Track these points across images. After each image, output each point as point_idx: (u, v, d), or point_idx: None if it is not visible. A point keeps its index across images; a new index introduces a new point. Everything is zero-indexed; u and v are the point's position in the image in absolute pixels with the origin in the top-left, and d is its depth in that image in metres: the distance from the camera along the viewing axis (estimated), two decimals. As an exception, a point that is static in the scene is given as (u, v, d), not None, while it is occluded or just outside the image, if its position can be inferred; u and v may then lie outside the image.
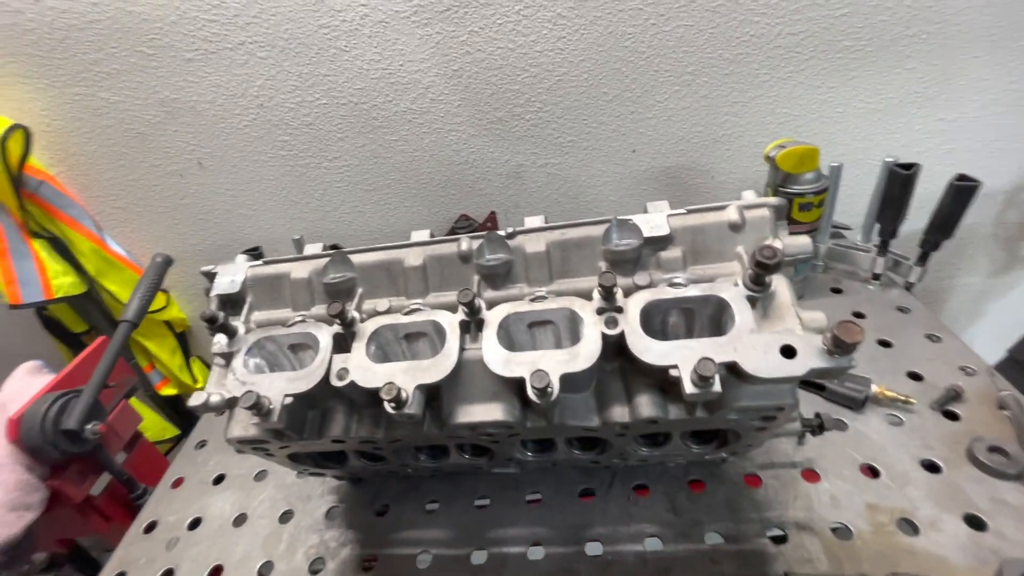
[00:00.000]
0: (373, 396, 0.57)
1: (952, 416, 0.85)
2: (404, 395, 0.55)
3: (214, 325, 0.62)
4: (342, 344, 0.63)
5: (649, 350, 0.53)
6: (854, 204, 1.27)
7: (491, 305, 0.62)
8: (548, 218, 0.66)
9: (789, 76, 1.19)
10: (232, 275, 0.71)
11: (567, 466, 0.86)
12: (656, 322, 0.60)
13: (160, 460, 1.18)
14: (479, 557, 0.78)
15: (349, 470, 0.82)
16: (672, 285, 0.61)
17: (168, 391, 1.65)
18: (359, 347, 0.61)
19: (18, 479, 0.92)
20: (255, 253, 1.10)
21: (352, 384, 0.58)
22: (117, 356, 1.00)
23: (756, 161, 1.31)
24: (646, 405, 0.58)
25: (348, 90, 1.21)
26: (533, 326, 0.62)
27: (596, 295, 0.58)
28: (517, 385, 0.59)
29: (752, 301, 0.55)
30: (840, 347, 0.48)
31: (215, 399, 0.63)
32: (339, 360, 0.60)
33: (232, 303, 0.71)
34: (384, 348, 0.64)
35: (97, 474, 1.04)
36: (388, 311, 0.66)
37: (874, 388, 0.88)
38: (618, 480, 0.85)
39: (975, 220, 1.42)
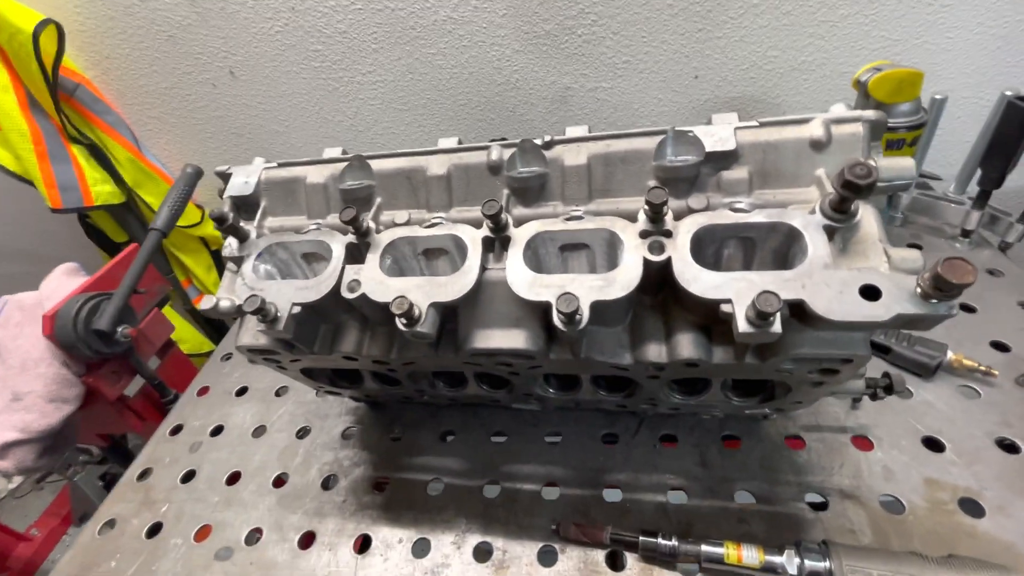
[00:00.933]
0: (387, 312, 0.53)
1: (1040, 393, 0.74)
2: (417, 311, 0.50)
3: (223, 225, 0.58)
4: (356, 255, 0.58)
5: (698, 280, 0.46)
6: (949, 152, 1.11)
7: (520, 223, 0.55)
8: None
9: (893, -11, 1.00)
10: (246, 176, 0.66)
11: (591, 408, 0.81)
12: (709, 253, 0.52)
13: (191, 369, 1.21)
14: (491, 490, 0.75)
15: (365, 391, 0.80)
16: (733, 210, 0.52)
17: (205, 307, 1.69)
18: (373, 259, 0.55)
19: (56, 372, 0.96)
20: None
21: (363, 297, 0.53)
22: (146, 263, 1.00)
23: (839, 94, 1.14)
24: (687, 344, 0.51)
25: (384, -7, 1.11)
26: (566, 249, 0.55)
27: (642, 216, 0.50)
28: (542, 311, 0.53)
29: (830, 231, 0.46)
30: (942, 290, 0.39)
31: (224, 304, 0.59)
32: (351, 271, 0.55)
33: (246, 206, 0.66)
34: (400, 263, 0.58)
35: (130, 376, 1.07)
36: (407, 223, 0.60)
37: (950, 355, 0.77)
38: (645, 427, 0.79)
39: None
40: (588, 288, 0.48)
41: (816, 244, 0.45)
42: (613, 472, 0.74)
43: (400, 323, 0.50)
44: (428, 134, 1.31)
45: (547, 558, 0.66)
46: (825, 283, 0.43)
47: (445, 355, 0.58)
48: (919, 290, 0.41)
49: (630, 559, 0.65)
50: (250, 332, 0.61)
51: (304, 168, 0.65)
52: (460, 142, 0.62)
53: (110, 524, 0.81)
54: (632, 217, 0.54)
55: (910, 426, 0.73)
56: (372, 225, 0.57)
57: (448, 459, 0.81)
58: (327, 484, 0.80)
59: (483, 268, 0.54)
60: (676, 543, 0.62)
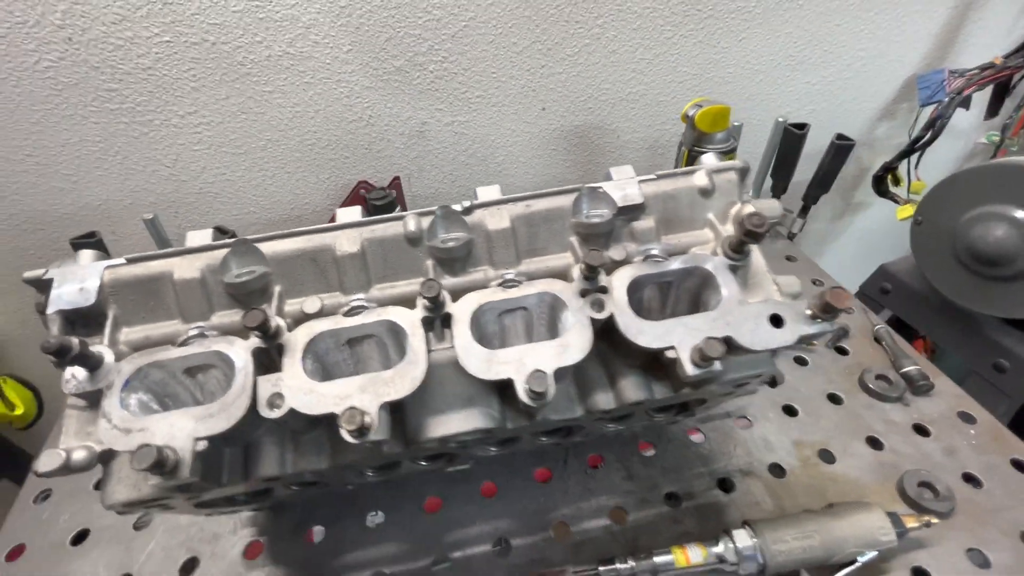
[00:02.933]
0: (313, 421, 0.46)
1: (843, 352, 0.97)
2: (368, 420, 0.44)
3: (65, 358, 0.44)
4: (265, 362, 0.49)
5: (643, 332, 0.49)
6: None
7: (453, 295, 0.52)
8: (456, 180, 0.58)
9: (690, 34, 1.20)
10: (79, 281, 0.51)
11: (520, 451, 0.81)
12: (634, 299, 0.56)
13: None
14: (441, 567, 0.71)
15: (273, 501, 0.68)
16: (648, 258, 0.57)
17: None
18: (292, 363, 0.47)
19: None
20: (91, 242, 0.84)
21: (291, 412, 0.46)
22: None
23: (658, 120, 1.33)
24: (631, 388, 0.55)
25: (200, 25, 0.94)
26: (503, 315, 0.55)
27: (577, 274, 0.52)
28: (495, 385, 0.52)
29: (733, 270, 0.54)
30: (828, 312, 0.49)
31: (79, 456, 0.46)
32: (267, 383, 0.47)
33: (84, 320, 0.51)
34: (323, 359, 0.51)
35: None
36: (320, 313, 0.53)
37: (784, 334, 0.96)
38: (572, 455, 0.83)
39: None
40: (548, 357, 0.48)
41: (728, 284, 0.52)
42: (557, 509, 0.76)
43: (349, 436, 0.44)
44: (272, 178, 1.17)
45: (517, 620, 0.65)
46: (743, 318, 0.50)
47: (392, 450, 0.53)
48: (810, 312, 0.50)
49: (594, 591, 0.67)
50: (126, 483, 0.48)
51: (165, 263, 0.52)
52: (366, 213, 0.56)
53: None
54: (562, 273, 0.55)
55: (771, 399, 0.89)
56: (281, 323, 0.49)
57: (383, 547, 0.73)
58: (249, 554, 0.67)
59: (428, 351, 0.50)
60: (633, 564, 0.66)
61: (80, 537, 0.77)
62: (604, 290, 0.52)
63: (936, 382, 0.89)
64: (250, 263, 0.53)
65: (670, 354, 0.49)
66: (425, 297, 0.48)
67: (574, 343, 0.49)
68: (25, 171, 1.03)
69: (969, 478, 0.77)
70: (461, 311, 0.50)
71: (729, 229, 0.58)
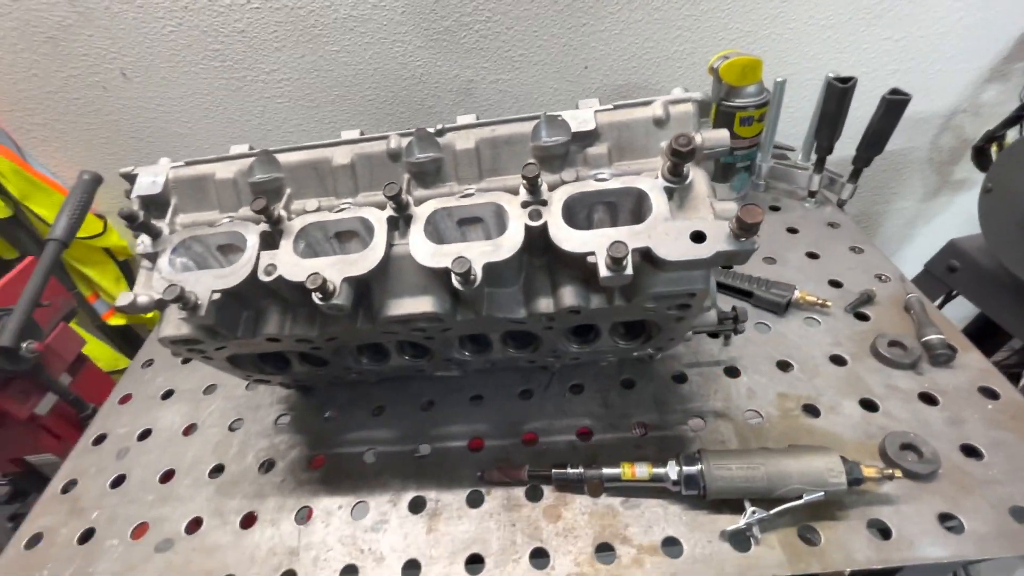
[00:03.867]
0: (305, 292, 0.58)
1: (863, 317, 0.92)
2: (331, 286, 0.56)
3: (134, 223, 0.61)
4: (270, 243, 0.63)
5: (569, 239, 0.55)
6: (799, 126, 1.29)
7: (421, 203, 0.62)
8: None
9: (743, -14, 1.16)
10: (153, 176, 0.68)
11: (507, 368, 0.90)
12: (581, 218, 0.62)
13: (108, 381, 1.18)
14: (424, 450, 0.82)
15: (293, 376, 0.84)
16: (597, 180, 0.62)
17: (116, 321, 1.61)
18: (287, 244, 0.60)
19: (-46, 396, 0.91)
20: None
21: (280, 279, 0.59)
22: (47, 275, 0.97)
23: (707, 80, 1.30)
24: (569, 295, 0.61)
25: (281, -9, 1.12)
26: (463, 224, 0.63)
27: (522, 189, 0.59)
28: (445, 276, 0.61)
29: (669, 192, 0.57)
30: (744, 229, 0.51)
31: (143, 299, 0.62)
32: (267, 257, 0.60)
33: (155, 205, 0.68)
34: (314, 247, 0.64)
35: (41, 393, 1.03)
36: (317, 210, 0.65)
37: (796, 294, 0.93)
38: (555, 381, 0.90)
39: (912, 144, 1.47)
40: (480, 252, 0.56)
41: (658, 203, 0.56)
42: (530, 422, 0.84)
43: (316, 298, 0.56)
44: (339, 129, 1.34)
45: (475, 501, 0.75)
46: (665, 232, 0.54)
47: (364, 326, 0.64)
48: (731, 231, 0.53)
49: (546, 491, 0.74)
50: (172, 323, 0.64)
51: (212, 166, 0.68)
52: (362, 133, 0.68)
53: (36, 539, 0.80)
54: (516, 191, 0.63)
55: (767, 354, 0.88)
56: (284, 214, 0.62)
57: (381, 431, 0.87)
58: (265, 468, 0.84)
59: (390, 244, 0.60)
60: (582, 470, 0.72)
61: (168, 394, 0.99)
62: (544, 203, 0.58)
63: (965, 356, 0.82)
64: (269, 170, 0.67)
65: (590, 259, 0.55)
66: (388, 197, 0.58)
67: (506, 244, 0.56)
68: (155, 117, 1.30)
69: (970, 450, 0.72)
70: (420, 212, 0.60)
71: (681, 157, 0.61)
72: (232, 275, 0.59)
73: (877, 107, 1.00)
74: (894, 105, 0.97)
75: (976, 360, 0.82)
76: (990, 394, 0.78)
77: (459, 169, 0.64)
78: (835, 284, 0.99)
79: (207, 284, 0.59)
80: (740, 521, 0.66)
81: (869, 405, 0.79)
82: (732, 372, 0.86)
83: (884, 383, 0.81)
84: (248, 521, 0.77)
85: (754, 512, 0.66)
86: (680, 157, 0.54)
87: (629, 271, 0.52)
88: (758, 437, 0.77)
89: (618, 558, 0.67)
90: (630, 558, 0.66)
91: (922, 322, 0.87)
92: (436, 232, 0.61)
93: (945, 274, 1.14)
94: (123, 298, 0.61)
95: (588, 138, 0.62)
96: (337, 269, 0.58)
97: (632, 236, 0.54)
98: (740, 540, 0.66)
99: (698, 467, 0.68)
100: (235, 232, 0.63)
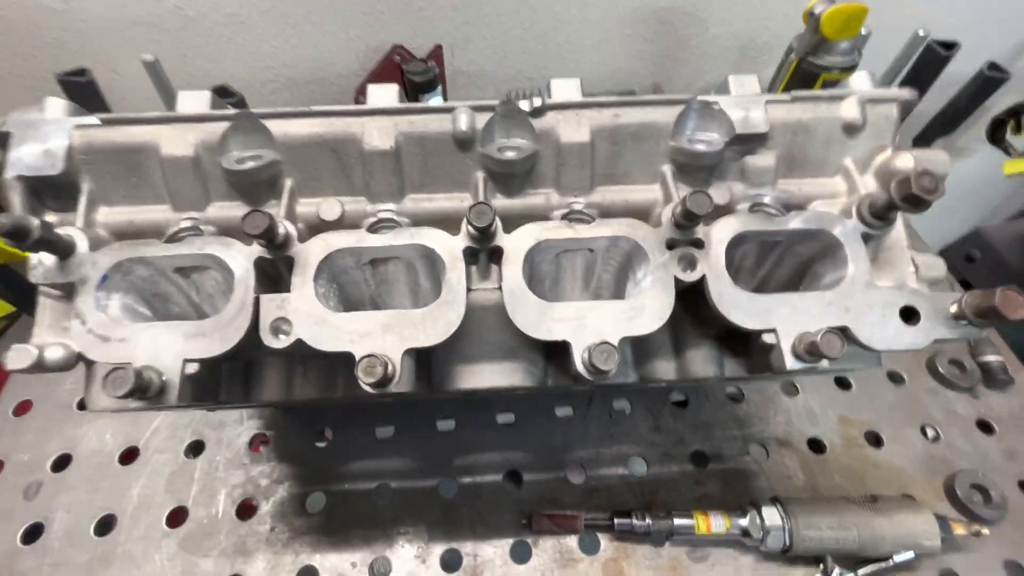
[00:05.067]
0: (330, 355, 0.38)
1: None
2: (391, 369, 0.36)
3: (24, 242, 0.35)
4: (268, 272, 0.40)
5: (740, 307, 0.39)
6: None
7: (505, 220, 0.41)
8: (506, 58, 0.45)
9: None
10: (44, 140, 0.40)
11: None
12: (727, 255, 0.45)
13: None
14: (448, 488, 0.68)
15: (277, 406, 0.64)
16: (756, 207, 0.44)
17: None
18: (303, 283, 0.38)
19: None
20: (78, 81, 0.72)
21: (300, 344, 0.38)
22: None
23: (760, 13, 1.09)
24: (700, 362, 0.46)
25: None
26: (562, 253, 0.44)
27: (666, 218, 0.40)
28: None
29: (866, 239, 0.42)
30: (985, 317, 0.38)
31: (55, 354, 0.39)
32: (271, 304, 0.38)
33: (54, 191, 0.42)
34: (339, 278, 0.42)
35: None
36: (341, 221, 0.43)
37: (855, 298, 0.85)
38: (597, 396, 0.77)
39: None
40: (615, 322, 0.38)
41: (857, 259, 0.40)
42: (574, 450, 0.72)
43: (366, 386, 0.36)
44: (297, 30, 0.99)
45: (521, 555, 0.64)
46: (867, 306, 0.39)
47: (414, 395, 0.46)
48: (954, 309, 0.39)
49: (603, 539, 0.65)
50: (103, 396, 0.42)
51: (150, 130, 0.41)
52: (403, 95, 0.44)
53: (-82, 618, 0.59)
54: (644, 212, 0.44)
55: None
56: (291, 230, 0.39)
57: (392, 459, 0.71)
58: (244, 513, 0.66)
59: (468, 290, 0.40)
60: (650, 522, 0.63)
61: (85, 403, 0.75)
62: (699, 244, 0.40)
63: (1018, 377, 0.79)
64: (255, 144, 0.42)
65: (767, 338, 0.39)
66: (474, 226, 0.37)
67: (650, 308, 0.39)
68: (8, -17, 0.87)
69: (1026, 486, 0.70)
70: (515, 247, 0.40)
71: (870, 182, 0.45)
72: (216, 336, 0.37)
73: (970, 82, 0.86)
74: (990, 83, 0.84)
75: (1027, 383, 0.80)
76: (1042, 422, 0.76)
77: (563, 172, 0.43)
78: (885, 284, 0.91)
79: (174, 349, 0.37)
80: (824, 582, 0.60)
81: (929, 433, 0.75)
82: (789, 390, 0.78)
83: (943, 407, 0.77)
84: (232, 588, 0.61)
85: (841, 574, 0.60)
86: (916, 205, 0.37)
87: (836, 354, 0.37)
88: (825, 472, 0.71)
89: (691, 622, 0.60)
90: (704, 622, 0.60)
91: (978, 339, 0.82)
92: (528, 268, 0.42)
93: (962, 263, 1.11)
94: (17, 357, 0.38)
95: (753, 142, 0.43)
96: (395, 336, 0.38)
97: (824, 307, 0.39)
98: (819, 598, 0.61)
99: (783, 522, 0.61)
100: (211, 256, 0.39)
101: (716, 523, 0.62)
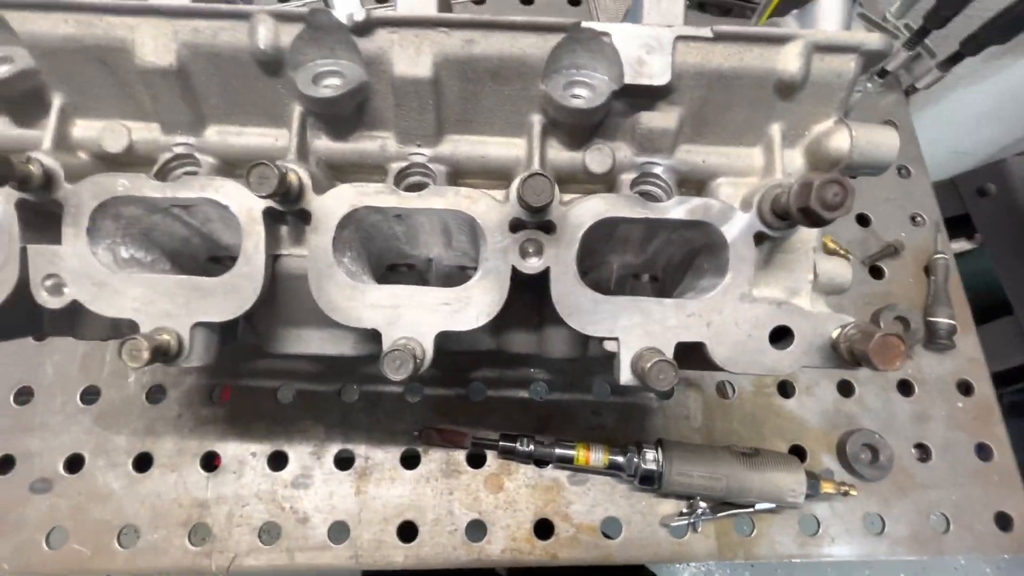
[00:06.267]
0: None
1: (878, 273, 0.79)
2: (175, 344, 0.33)
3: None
4: (40, 218, 0.34)
5: (581, 311, 0.33)
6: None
7: (332, 165, 0.34)
8: None
9: None
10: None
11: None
12: (600, 228, 0.38)
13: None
14: (350, 394, 0.70)
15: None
16: (640, 180, 0.36)
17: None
18: (76, 236, 0.33)
19: None
20: None
21: (79, 306, 0.34)
22: None
23: None
24: (560, 342, 0.42)
25: None
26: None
27: (514, 195, 0.32)
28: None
29: (760, 238, 0.34)
30: (859, 363, 0.32)
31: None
32: (41, 258, 0.33)
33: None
34: (133, 223, 0.36)
35: None
36: (129, 154, 0.35)
37: (818, 238, 0.76)
38: (515, 317, 0.74)
39: None
40: (431, 313, 0.33)
41: (739, 267, 0.33)
42: (481, 368, 0.72)
43: (130, 360, 0.33)
44: None
45: (410, 462, 0.67)
46: (735, 322, 0.34)
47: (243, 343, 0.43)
48: (835, 335, 0.34)
49: (489, 455, 0.68)
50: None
51: None
52: (195, -17, 0.32)
53: None
54: (503, 171, 0.36)
55: (761, 311, 0.76)
56: (51, 166, 0.32)
57: (299, 361, 0.71)
58: (153, 397, 0.69)
59: (273, 258, 0.35)
60: (532, 448, 0.65)
61: None
62: (549, 227, 0.33)
63: (962, 342, 0.75)
64: (4, 38, 0.32)
65: (609, 346, 0.34)
66: (261, 196, 0.30)
67: (477, 301, 0.33)
68: None
69: (922, 448, 0.71)
70: (325, 212, 0.33)
71: (795, 159, 0.35)
72: (-19, 288, 0.33)
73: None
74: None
75: (970, 347, 0.75)
76: (965, 389, 0.74)
77: (402, 114, 0.34)
78: (863, 221, 0.82)
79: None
80: (686, 518, 0.64)
81: (846, 389, 0.73)
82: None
83: (869, 364, 0.74)
84: (142, 463, 0.66)
85: (703, 512, 0.64)
86: (814, 221, 0.29)
87: (665, 387, 0.33)
88: (724, 417, 0.71)
89: (556, 535, 0.65)
90: (568, 536, 0.65)
91: (937, 297, 0.76)
92: (359, 230, 0.36)
93: (972, 196, 0.99)
94: None
95: (650, 95, 0.33)
96: (182, 307, 0.33)
97: (684, 320, 0.34)
98: (678, 528, 0.66)
99: (658, 467, 0.63)
100: (-38, 193, 0.33)
101: (595, 457, 0.64)
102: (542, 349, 0.43)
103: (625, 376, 0.34)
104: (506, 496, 0.66)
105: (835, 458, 0.69)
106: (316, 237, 0.33)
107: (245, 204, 0.33)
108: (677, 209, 0.33)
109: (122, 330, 0.43)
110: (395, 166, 0.35)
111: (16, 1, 0.31)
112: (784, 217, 0.32)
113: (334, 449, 0.67)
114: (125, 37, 0.31)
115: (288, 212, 0.33)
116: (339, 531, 0.64)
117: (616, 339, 0.34)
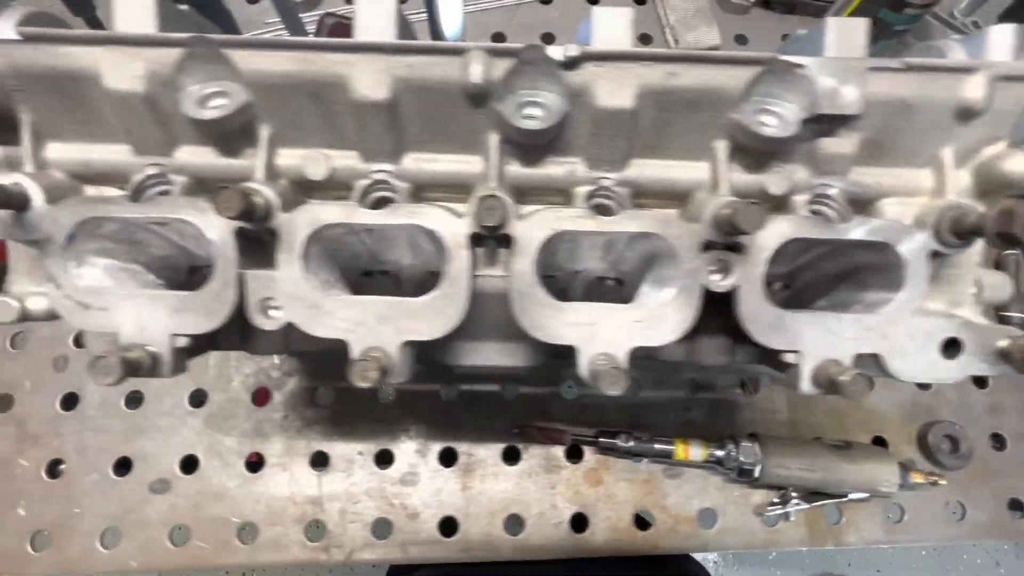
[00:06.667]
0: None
1: (948, 269, 0.82)
2: (385, 361, 0.35)
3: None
4: (251, 239, 0.36)
5: (768, 325, 0.36)
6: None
7: (518, 191, 0.36)
8: None
9: None
10: (-42, 60, 0.33)
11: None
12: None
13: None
14: (448, 393, 0.73)
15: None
16: (816, 201, 0.38)
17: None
18: (289, 260, 0.35)
19: None
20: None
21: (290, 327, 0.36)
22: None
23: None
24: (710, 350, 0.44)
25: None
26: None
27: (708, 218, 0.34)
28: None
29: (933, 255, 0.36)
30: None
31: (37, 304, 0.38)
32: (258, 283, 0.35)
33: (-11, 121, 0.35)
34: (330, 245, 0.38)
35: None
36: (330, 181, 0.37)
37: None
38: (602, 316, 0.77)
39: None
40: (625, 330, 0.36)
41: (915, 283, 0.35)
42: (570, 365, 0.74)
43: (360, 381, 0.35)
44: None
45: (511, 457, 0.70)
46: (909, 335, 0.36)
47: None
48: (1003, 345, 0.36)
49: (587, 451, 0.70)
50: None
51: (85, 52, 0.33)
52: (397, 32, 0.34)
53: (-13, 463, 0.68)
54: (683, 193, 0.38)
55: (839, 307, 0.78)
56: (271, 198, 0.34)
57: (395, 362, 0.74)
58: (259, 400, 0.71)
59: (473, 278, 0.37)
60: (632, 444, 0.68)
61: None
62: (737, 248, 0.35)
63: (1031, 333, 0.77)
64: (216, 75, 0.34)
65: (789, 357, 0.37)
66: (483, 226, 0.32)
67: (670, 318, 0.35)
68: None
69: (997, 438, 0.74)
70: (528, 238, 0.35)
71: (961, 179, 0.37)
72: (203, 309, 0.35)
73: None
74: None
75: (1040, 340, 0.78)
76: (1038, 380, 0.77)
77: (594, 141, 0.36)
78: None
79: (160, 323, 0.35)
80: (780, 508, 0.67)
81: (922, 384, 0.76)
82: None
83: (945, 357, 0.77)
84: (254, 463, 0.69)
85: (797, 503, 0.67)
86: (1012, 244, 0.31)
87: (859, 397, 0.35)
88: (808, 411, 0.74)
89: (655, 526, 0.69)
90: (667, 527, 0.68)
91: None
92: (543, 259, 0.37)
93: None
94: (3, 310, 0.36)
95: (836, 122, 0.35)
96: (390, 327, 0.35)
97: (862, 332, 0.36)
98: (770, 517, 0.69)
99: (756, 458, 0.65)
100: (185, 222, 0.35)
101: (694, 452, 0.67)
102: (690, 357, 0.45)
103: (806, 386, 0.36)
104: (605, 490, 0.69)
105: (916, 448, 0.72)
106: (518, 261, 0.35)
107: (451, 229, 0.35)
108: (858, 230, 0.35)
109: (289, 345, 0.45)
110: (582, 190, 0.37)
111: (243, 40, 0.32)
112: (962, 237, 0.34)
113: (437, 447, 0.70)
114: (342, 73, 0.33)
115: (490, 237, 0.35)
116: (447, 525, 0.67)
117: (798, 351, 0.36)
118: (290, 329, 0.42)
